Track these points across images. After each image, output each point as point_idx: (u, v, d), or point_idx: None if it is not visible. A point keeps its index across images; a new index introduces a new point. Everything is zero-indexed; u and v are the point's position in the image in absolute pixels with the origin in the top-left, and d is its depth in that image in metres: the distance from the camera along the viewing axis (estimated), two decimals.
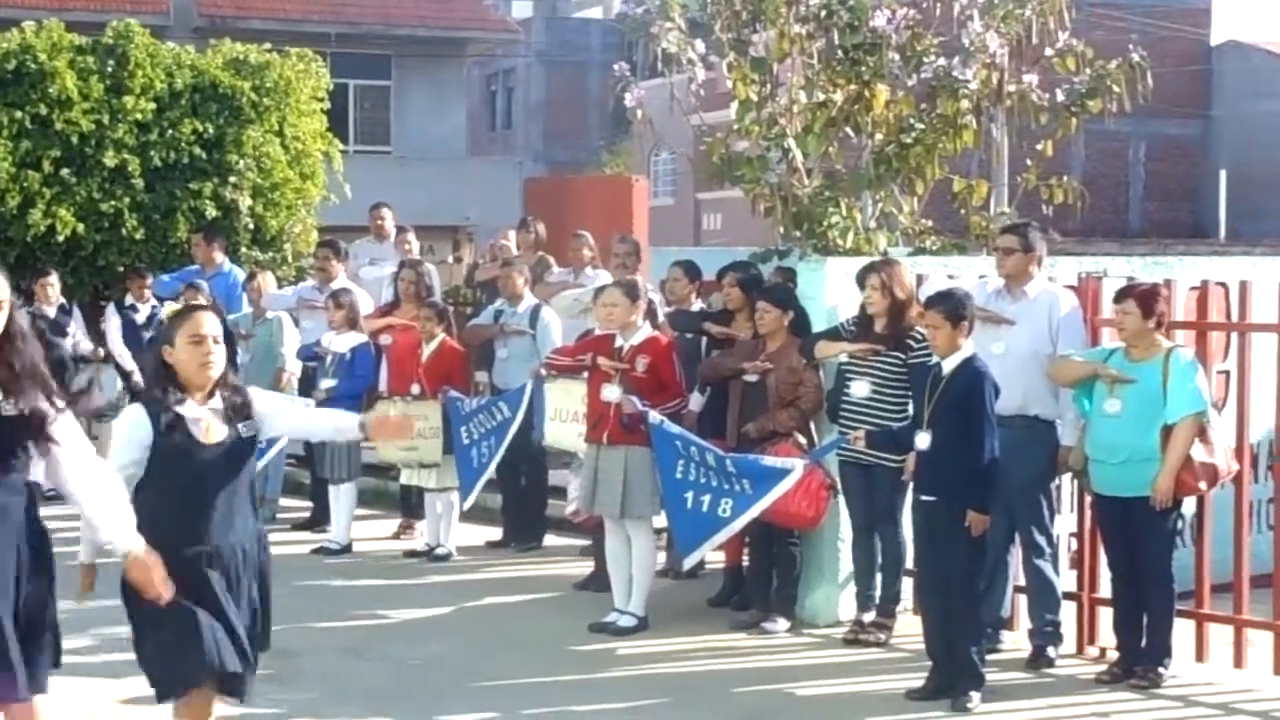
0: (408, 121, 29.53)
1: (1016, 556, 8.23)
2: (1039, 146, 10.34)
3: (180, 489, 5.36)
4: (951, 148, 10.19)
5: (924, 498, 7.50)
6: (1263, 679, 7.81)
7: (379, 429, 6.43)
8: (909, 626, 8.19)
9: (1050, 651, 8.05)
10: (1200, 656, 8.02)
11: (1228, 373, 8.66)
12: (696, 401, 9.38)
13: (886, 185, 10.23)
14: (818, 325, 8.80)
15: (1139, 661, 7.68)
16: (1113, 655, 7.91)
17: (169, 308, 5.95)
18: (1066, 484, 8.51)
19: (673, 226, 35.64)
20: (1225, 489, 7.90)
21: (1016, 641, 8.31)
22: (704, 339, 9.69)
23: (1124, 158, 35.64)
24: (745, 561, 9.26)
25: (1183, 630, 7.89)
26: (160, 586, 5.12)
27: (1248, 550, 8.00)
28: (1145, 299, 7.70)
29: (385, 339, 11.43)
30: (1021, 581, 8.30)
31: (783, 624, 8.72)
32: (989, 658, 7.71)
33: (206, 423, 5.37)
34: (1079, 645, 8.26)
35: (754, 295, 9.08)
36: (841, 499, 8.63)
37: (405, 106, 29.60)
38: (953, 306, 7.45)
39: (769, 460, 8.35)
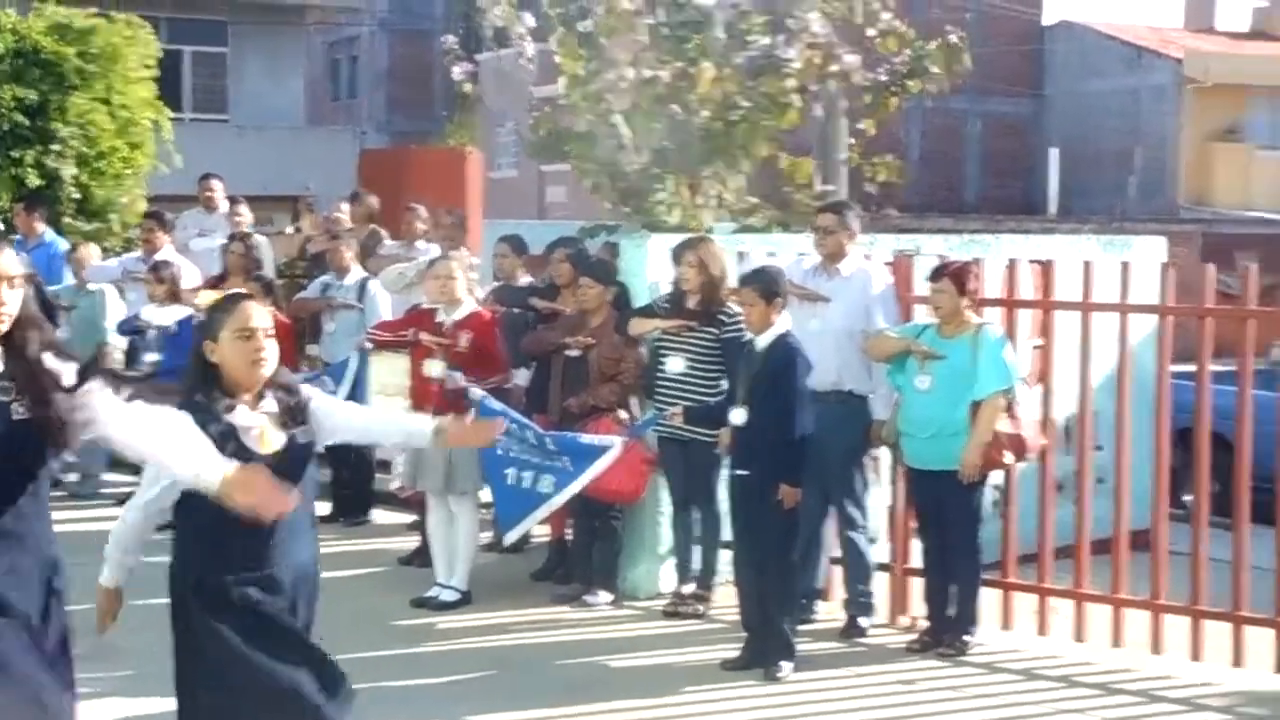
0: (245, 89, 29.09)
1: (831, 529, 8.40)
2: (861, 125, 10.53)
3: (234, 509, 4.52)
4: (776, 125, 10.33)
5: (738, 472, 7.63)
6: (1064, 645, 8.07)
7: (461, 435, 5.06)
8: (727, 598, 8.33)
9: (863, 621, 8.24)
10: (1006, 625, 8.27)
11: (1041, 348, 8.89)
12: (523, 376, 9.43)
13: (713, 162, 10.34)
14: (642, 301, 8.89)
15: (947, 630, 7.89)
16: (923, 625, 8.12)
17: (204, 297, 5.09)
18: (885, 457, 8.69)
19: (516, 199, 35.56)
20: (1032, 462, 8.14)
21: (830, 612, 8.49)
22: (532, 314, 9.73)
23: (959, 135, 36.22)
24: (569, 535, 9.33)
25: (990, 599, 8.13)
26: (275, 495, 4.28)
27: (1052, 522, 8.25)
28: (959, 277, 7.89)
29: None
30: (836, 553, 8.47)
31: (604, 597, 8.81)
32: (803, 628, 7.88)
33: (261, 430, 4.66)
34: (891, 615, 8.46)
35: (580, 270, 9.14)
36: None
37: (242, 74, 29.14)
38: (766, 284, 7.56)
39: (588, 438, 8.43)
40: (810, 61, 10.23)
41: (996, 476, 8.25)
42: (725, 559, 8.48)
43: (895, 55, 10.47)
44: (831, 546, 8.48)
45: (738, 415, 7.57)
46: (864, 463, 8.37)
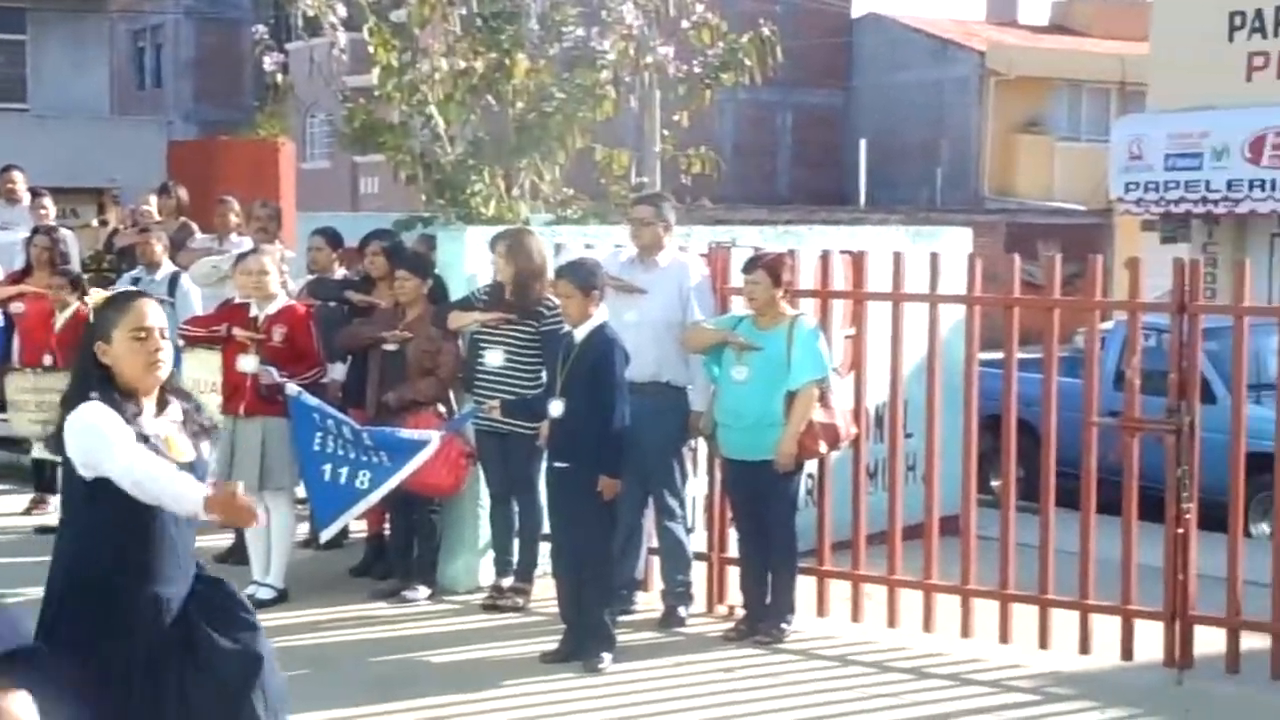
0: (46, 78, 28.33)
1: (650, 519, 8.45)
2: (675, 117, 10.60)
3: (143, 518, 4.36)
4: (591, 117, 10.34)
5: (557, 464, 7.63)
6: (878, 631, 8.21)
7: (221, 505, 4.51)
8: (547, 591, 8.32)
9: (681, 611, 8.30)
10: (821, 611, 8.39)
11: (853, 338, 9.02)
12: (339, 371, 9.32)
13: (529, 154, 10.32)
14: (458, 294, 8.84)
15: (764, 618, 7.98)
16: (740, 613, 8.20)
17: (97, 295, 4.85)
18: (702, 448, 8.75)
19: (329, 190, 35.14)
20: (845, 451, 8.27)
21: (649, 602, 8.54)
22: (347, 308, 9.62)
23: (772, 126, 36.64)
24: (387, 531, 9.25)
25: (805, 587, 8.24)
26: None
27: (865, 509, 8.38)
28: (773, 268, 7.98)
29: (16, 307, 11.02)
30: (655, 543, 8.52)
31: (423, 592, 8.76)
32: (623, 619, 7.91)
33: (168, 439, 4.44)
34: (709, 604, 8.53)
35: (396, 263, 9.06)
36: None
37: (43, 62, 28.36)
38: (583, 276, 7.57)
39: (406, 433, 8.37)
40: (624, 53, 10.27)
41: (811, 465, 8.38)
42: (545, 551, 8.48)
43: (708, 47, 10.55)
44: (650, 537, 8.53)
45: (556, 407, 7.57)
46: (682, 454, 8.42)
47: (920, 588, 8.22)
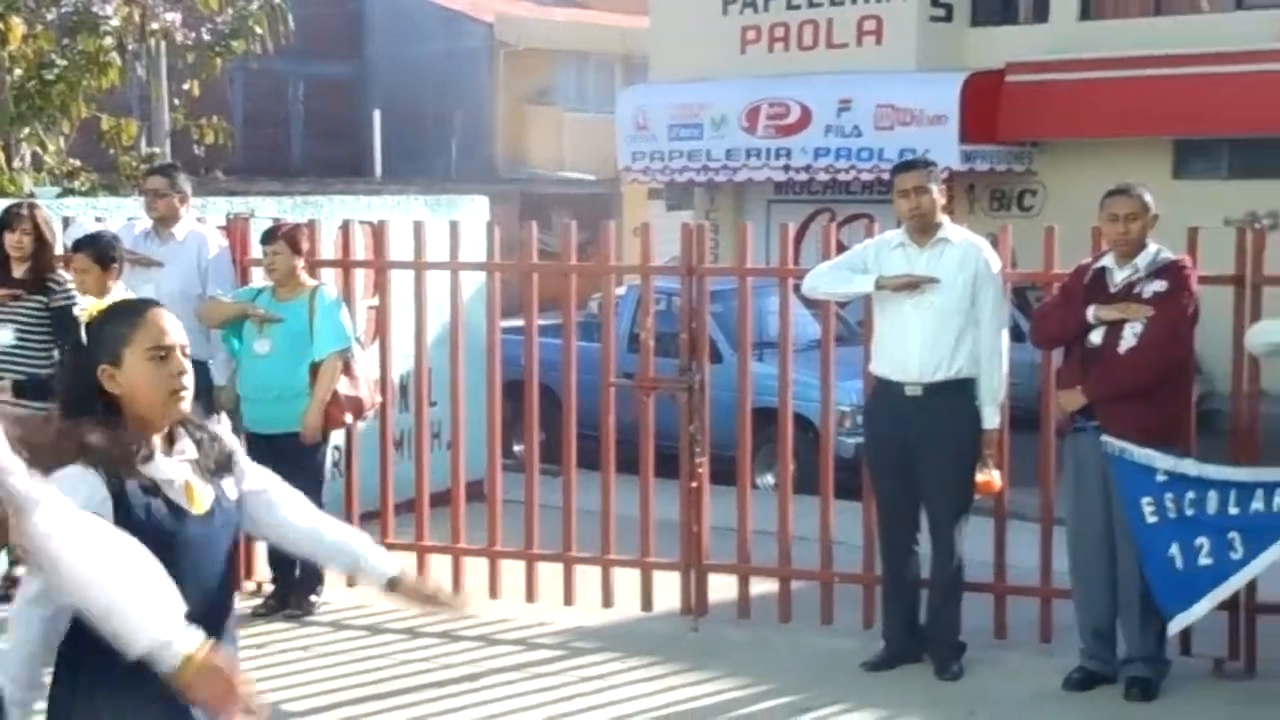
0: None
1: None
2: (185, 86, 10.36)
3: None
4: (96, 85, 10.00)
5: None
6: None
7: (418, 595, 3.84)
8: None
9: None
10: (350, 582, 8.36)
11: (376, 308, 9.04)
12: None
13: (29, 123, 9.90)
14: None
15: (293, 591, 7.94)
16: (269, 588, 8.13)
17: (93, 305, 3.57)
18: (226, 423, 8.58)
19: None
20: (371, 421, 8.30)
21: None
22: None
23: (284, 97, 36.04)
24: None
25: None
26: (240, 698, 3.16)
27: (392, 478, 8.44)
28: (292, 238, 7.91)
29: None
30: None
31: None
32: None
33: (185, 482, 3.45)
34: (238, 579, 8.40)
35: None
36: None
37: None
38: (101, 249, 7.35)
39: None
40: (129, 19, 9.99)
41: (338, 436, 8.36)
42: None
43: (218, 15, 10.36)
44: None
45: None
46: None
47: (449, 552, 8.34)
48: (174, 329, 3.48)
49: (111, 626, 3.10)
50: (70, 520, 3.11)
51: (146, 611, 3.08)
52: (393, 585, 3.74)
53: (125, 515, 3.28)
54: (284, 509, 3.73)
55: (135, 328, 3.43)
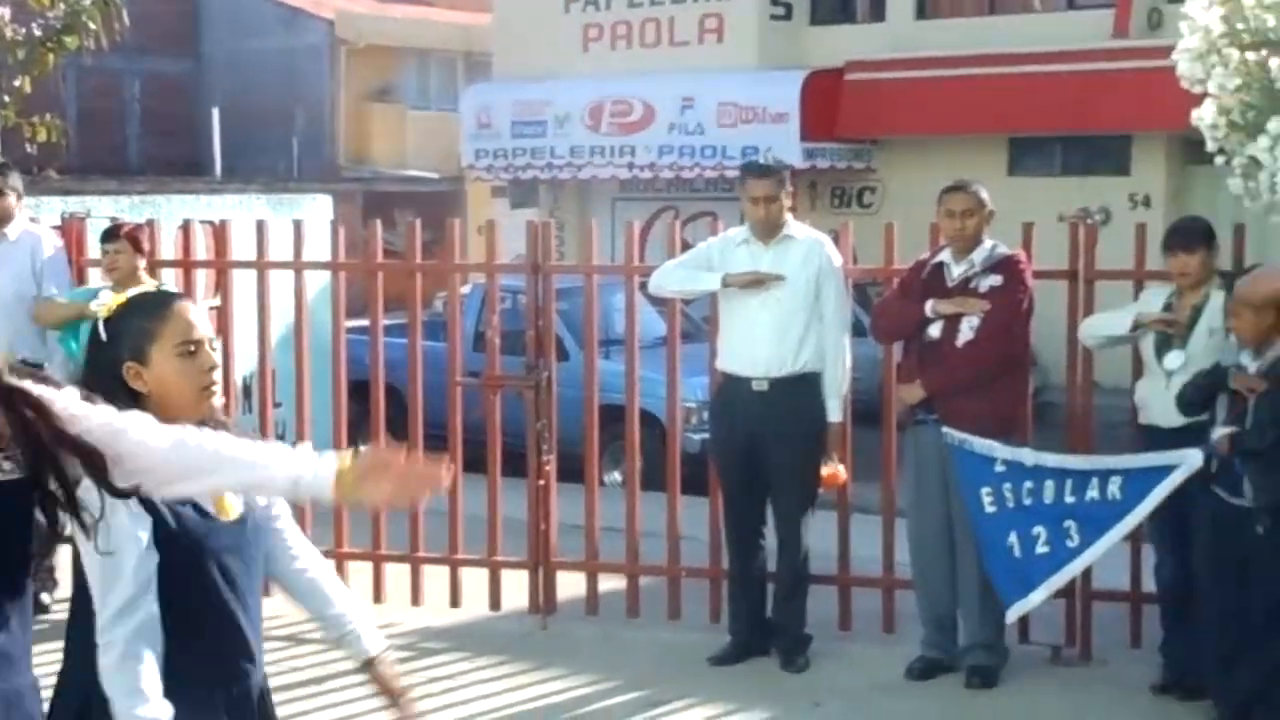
0: None
1: None
2: (16, 83, 10.10)
3: (201, 604, 3.23)
4: None
5: None
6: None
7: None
8: None
9: (45, 597, 7.97)
10: None
11: (218, 308, 8.93)
12: None
13: None
14: None
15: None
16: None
17: (113, 299, 3.34)
18: None
19: None
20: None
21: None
22: None
23: (119, 94, 35.35)
24: None
25: None
26: (423, 471, 3.08)
27: None
28: (134, 237, 7.79)
29: None
30: None
31: None
32: None
33: None
34: None
35: None
36: None
37: None
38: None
39: None
40: None
41: None
42: None
43: (49, 9, 10.10)
44: None
45: None
46: None
47: None
48: (201, 322, 3.32)
49: (252, 492, 3.22)
50: (163, 427, 3.00)
51: (276, 462, 3.04)
52: (367, 665, 3.57)
53: (156, 524, 3.13)
54: (288, 537, 3.57)
55: (163, 322, 3.26)
